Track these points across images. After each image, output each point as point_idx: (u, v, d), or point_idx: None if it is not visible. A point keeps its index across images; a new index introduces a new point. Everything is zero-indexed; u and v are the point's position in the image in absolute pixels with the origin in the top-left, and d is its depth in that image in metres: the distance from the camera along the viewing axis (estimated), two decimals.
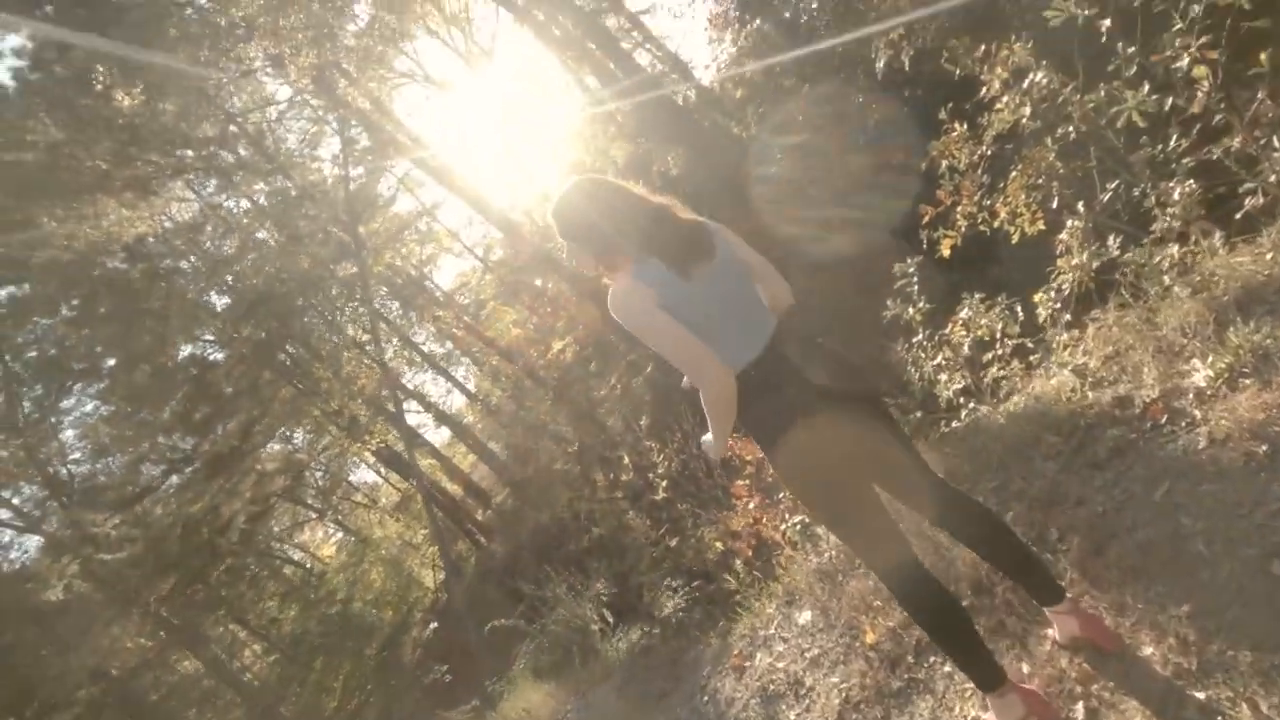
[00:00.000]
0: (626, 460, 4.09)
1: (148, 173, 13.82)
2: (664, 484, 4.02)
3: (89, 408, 17.18)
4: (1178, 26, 2.75)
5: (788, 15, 10.50)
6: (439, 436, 28.55)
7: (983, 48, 3.91)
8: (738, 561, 3.67)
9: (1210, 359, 2.30)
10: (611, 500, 4.21)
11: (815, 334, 1.82)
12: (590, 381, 15.59)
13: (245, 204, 17.72)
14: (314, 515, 27.69)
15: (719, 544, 3.89)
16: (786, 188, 9.93)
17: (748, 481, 3.85)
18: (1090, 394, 2.62)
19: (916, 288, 3.72)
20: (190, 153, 15.10)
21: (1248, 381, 2.16)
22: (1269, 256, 2.59)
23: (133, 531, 12.99)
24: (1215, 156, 2.91)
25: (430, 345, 23.20)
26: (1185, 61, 2.60)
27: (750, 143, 11.97)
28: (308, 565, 24.89)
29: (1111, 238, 3.46)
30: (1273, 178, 2.94)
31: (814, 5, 10.01)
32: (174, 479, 19.06)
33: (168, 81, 12.44)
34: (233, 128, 15.74)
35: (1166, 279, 2.81)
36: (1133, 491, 2.16)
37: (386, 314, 20.86)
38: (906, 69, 6.73)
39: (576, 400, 14.83)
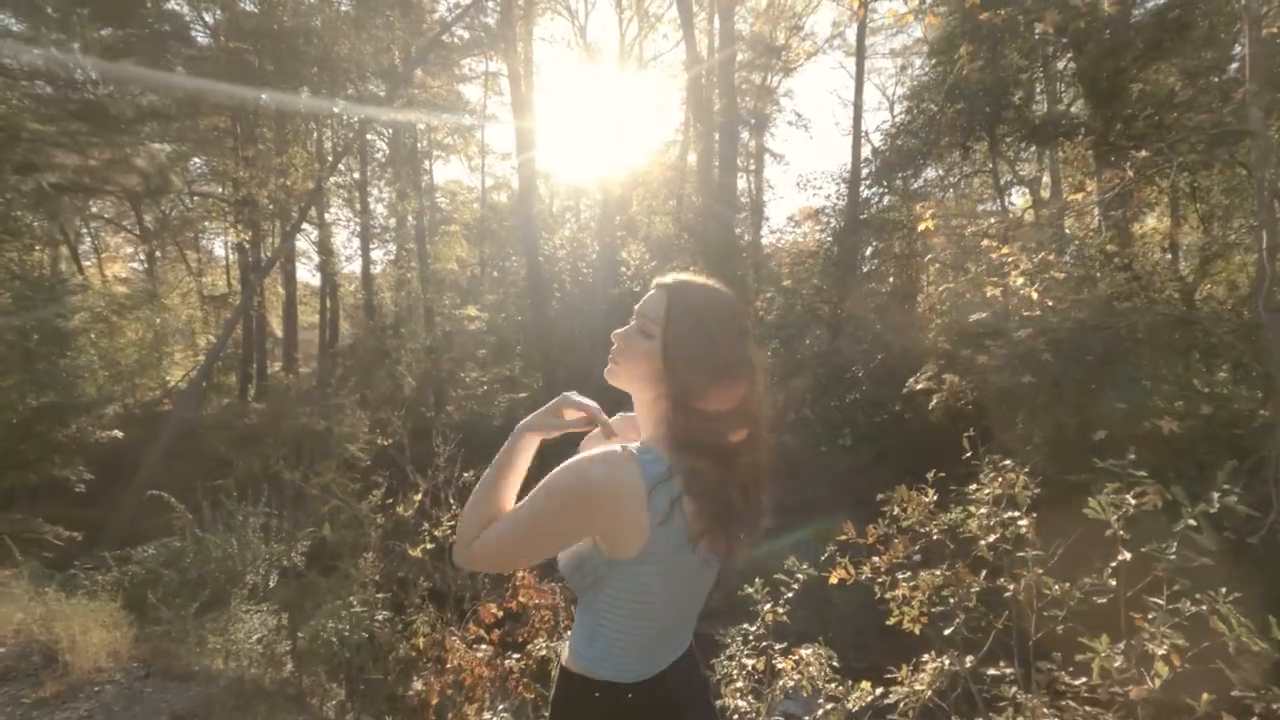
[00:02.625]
0: (419, 491, 3.39)
1: None
2: (430, 545, 3.34)
3: None
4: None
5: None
6: (307, 276, 26.32)
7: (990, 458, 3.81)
8: (417, 683, 3.01)
9: None
10: (372, 507, 3.47)
11: None
12: (463, 370, 14.64)
13: None
14: (138, 232, 24.65)
15: (419, 648, 3.21)
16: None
17: (499, 615, 3.24)
18: None
19: (789, 596, 3.38)
20: None
21: None
22: None
23: None
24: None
25: (377, 207, 21.70)
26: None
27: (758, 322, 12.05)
28: (80, 271, 21.58)
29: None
30: None
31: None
32: (46, 89, 16.50)
33: None
34: None
35: None
36: None
37: (370, 150, 19.46)
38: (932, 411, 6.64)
39: (440, 372, 13.82)
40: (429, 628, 3.31)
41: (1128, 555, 2.61)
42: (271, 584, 5.11)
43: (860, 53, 19.72)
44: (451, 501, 3.34)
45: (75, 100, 16.37)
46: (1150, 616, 2.56)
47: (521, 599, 3.23)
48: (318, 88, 14.20)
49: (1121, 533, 2.62)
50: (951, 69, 8.33)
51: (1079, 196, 4.14)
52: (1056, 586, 3.09)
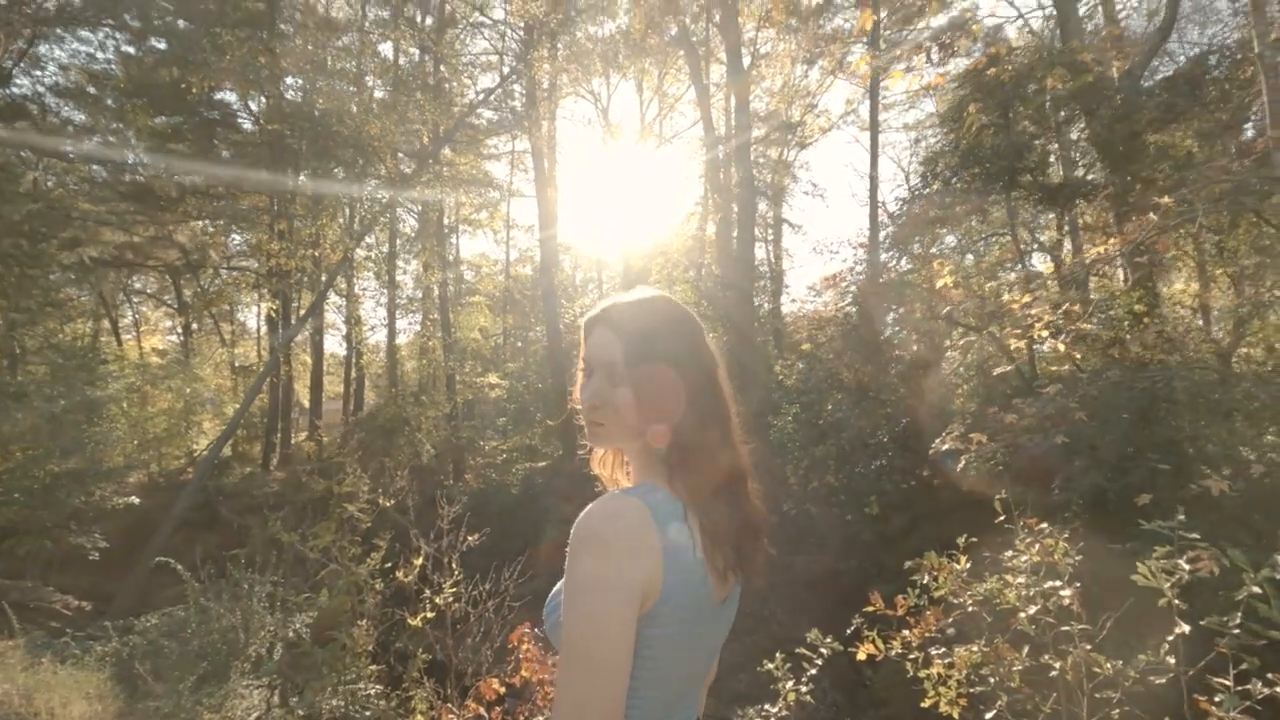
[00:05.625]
0: (421, 556, 3.26)
1: None
2: (431, 615, 3.17)
3: (96, 54, 15.97)
4: None
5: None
6: (335, 347, 26.91)
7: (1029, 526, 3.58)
8: None
9: None
10: (371, 571, 3.32)
11: None
12: (482, 438, 14.60)
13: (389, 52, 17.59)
14: (176, 306, 25.59)
15: None
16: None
17: (501, 692, 3.03)
18: None
19: (812, 673, 3.12)
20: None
21: None
22: None
23: None
24: None
25: (404, 278, 22.29)
26: None
27: (769, 384, 11.91)
28: (118, 343, 22.30)
29: None
30: None
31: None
32: (100, 172, 17.53)
33: None
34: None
35: None
36: None
37: (399, 224, 20.19)
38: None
39: (459, 440, 13.78)
40: (426, 704, 3.11)
41: (1186, 628, 2.36)
42: (275, 656, 4.93)
43: (874, 127, 20.25)
44: (455, 567, 3.19)
45: (125, 182, 17.38)
46: (1217, 699, 2.28)
47: (524, 673, 3.03)
48: (350, 166, 14.90)
49: (1177, 602, 2.37)
50: (964, 135, 8.46)
51: (1101, 249, 4.05)
52: (1109, 665, 2.81)
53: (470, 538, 3.23)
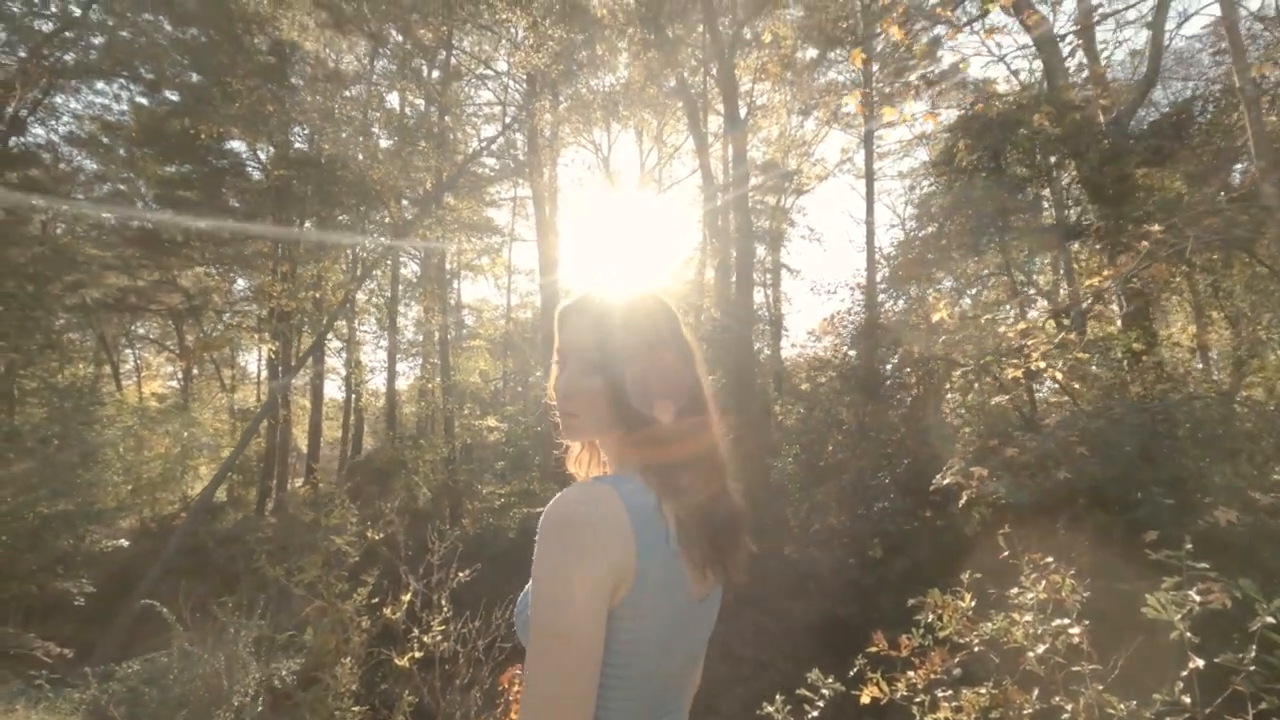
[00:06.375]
0: (409, 593, 3.16)
1: None
2: (419, 654, 3.06)
3: (111, 106, 16.43)
4: None
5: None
6: (333, 389, 26.85)
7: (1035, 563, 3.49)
8: None
9: None
10: (358, 607, 3.21)
11: None
12: (480, 482, 14.44)
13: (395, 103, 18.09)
14: (178, 351, 25.67)
15: None
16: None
17: None
18: None
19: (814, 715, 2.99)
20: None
21: None
22: None
23: None
24: None
25: (405, 322, 22.40)
26: None
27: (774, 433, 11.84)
28: (118, 388, 22.29)
29: None
30: None
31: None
32: (108, 218, 17.84)
33: None
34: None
35: None
36: None
37: (400, 268, 20.42)
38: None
39: (456, 484, 13.64)
40: None
41: (1200, 662, 2.26)
42: (259, 705, 4.76)
43: (869, 175, 20.65)
44: (444, 604, 3.10)
45: (132, 227, 17.65)
46: None
47: (514, 717, 2.90)
48: (354, 211, 15.16)
49: (1190, 635, 2.28)
50: (956, 176, 8.62)
51: (1095, 281, 4.07)
52: (1121, 705, 2.69)
53: (461, 573, 3.14)
